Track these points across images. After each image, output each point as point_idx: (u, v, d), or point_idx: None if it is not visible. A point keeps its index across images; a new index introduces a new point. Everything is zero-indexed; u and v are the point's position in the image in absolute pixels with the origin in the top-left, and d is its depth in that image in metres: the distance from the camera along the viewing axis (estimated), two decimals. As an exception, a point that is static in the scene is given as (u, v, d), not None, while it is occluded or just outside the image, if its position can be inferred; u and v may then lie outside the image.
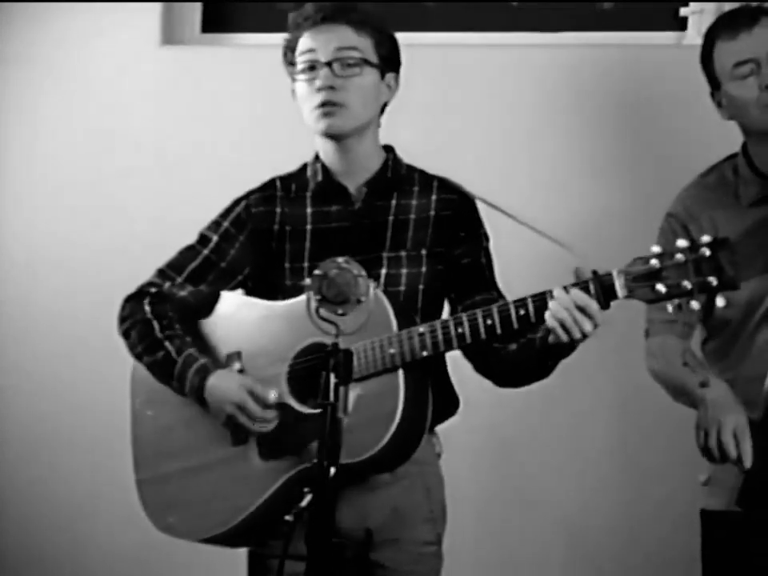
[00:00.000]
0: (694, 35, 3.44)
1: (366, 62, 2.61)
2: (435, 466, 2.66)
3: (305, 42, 2.64)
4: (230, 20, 3.75)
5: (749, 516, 2.66)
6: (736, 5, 2.90)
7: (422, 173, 2.70)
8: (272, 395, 2.50)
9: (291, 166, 2.75)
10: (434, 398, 2.52)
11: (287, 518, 2.13)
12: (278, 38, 3.62)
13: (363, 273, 2.18)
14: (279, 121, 3.51)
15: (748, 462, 2.57)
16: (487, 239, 2.69)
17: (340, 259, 2.19)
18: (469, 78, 3.45)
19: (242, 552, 2.68)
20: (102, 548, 3.62)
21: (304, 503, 2.12)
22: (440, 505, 2.65)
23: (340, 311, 2.16)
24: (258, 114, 3.56)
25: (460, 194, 2.65)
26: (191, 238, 2.74)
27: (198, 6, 3.74)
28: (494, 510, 3.42)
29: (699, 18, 3.43)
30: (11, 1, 3.67)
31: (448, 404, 2.66)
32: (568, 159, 3.42)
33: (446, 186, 2.66)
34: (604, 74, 3.40)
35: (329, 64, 2.59)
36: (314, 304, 2.17)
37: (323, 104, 2.59)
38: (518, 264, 2.89)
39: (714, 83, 2.83)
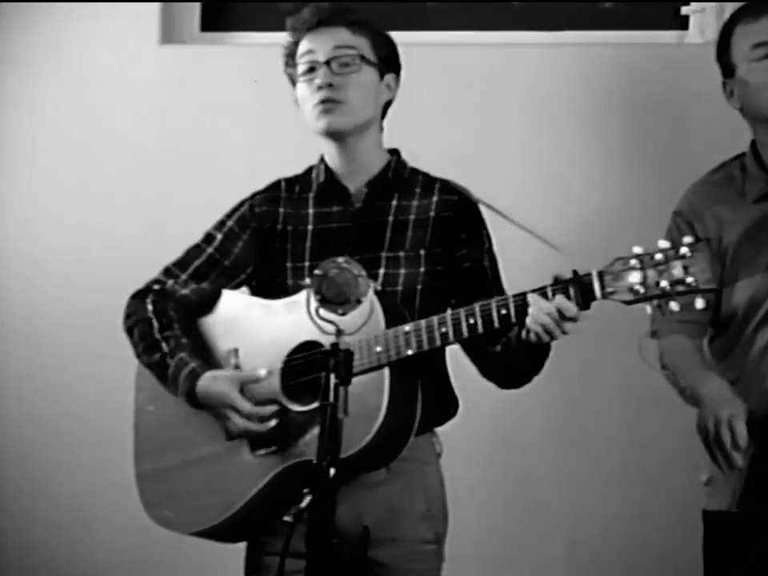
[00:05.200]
0: (696, 34, 3.44)
1: (363, 59, 2.64)
2: (435, 465, 2.67)
3: (304, 45, 2.68)
4: (229, 19, 3.74)
5: (751, 516, 2.65)
6: (737, 4, 2.90)
7: (425, 175, 2.71)
8: (262, 372, 2.53)
9: (290, 165, 2.75)
10: (432, 399, 2.54)
11: (286, 518, 2.13)
12: (278, 37, 3.60)
13: (363, 273, 2.17)
14: (279, 120, 3.50)
15: (742, 442, 2.56)
16: (490, 240, 2.69)
17: (340, 259, 2.18)
18: (469, 78, 3.44)
19: (240, 550, 2.69)
20: (103, 546, 3.62)
21: (303, 504, 2.11)
22: (439, 504, 2.65)
23: (340, 311, 2.16)
24: (257, 113, 3.55)
25: (462, 195, 2.65)
26: (190, 236, 2.75)
27: (197, 5, 3.74)
28: (495, 509, 3.41)
29: (700, 17, 3.43)
30: (11, 0, 3.67)
31: (447, 405, 2.67)
32: (568, 159, 3.41)
33: (447, 188, 2.67)
34: (605, 74, 3.40)
35: (327, 63, 2.62)
36: (314, 304, 2.16)
37: (323, 101, 2.61)
38: (521, 265, 2.87)
39: (728, 71, 2.83)
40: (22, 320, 3.67)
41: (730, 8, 2.95)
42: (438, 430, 2.67)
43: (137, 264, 2.77)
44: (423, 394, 2.50)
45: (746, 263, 2.75)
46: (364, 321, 2.21)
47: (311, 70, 2.65)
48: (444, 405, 2.65)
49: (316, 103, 2.63)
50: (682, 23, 3.48)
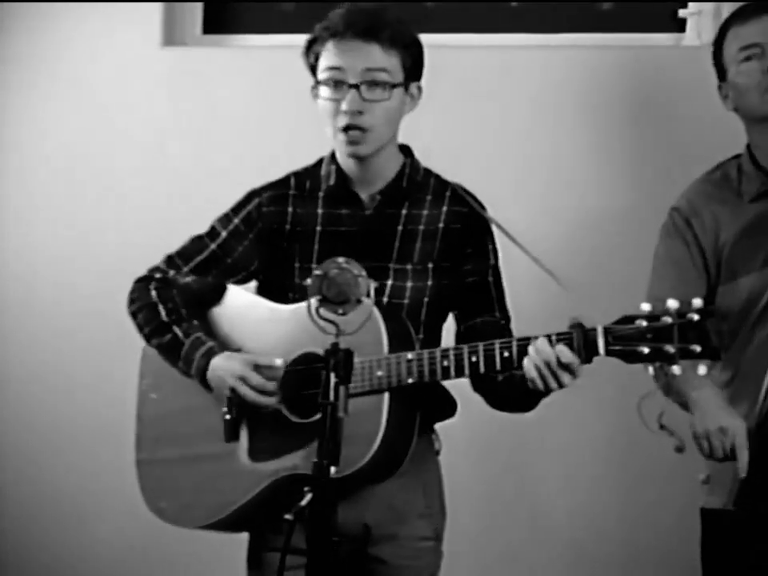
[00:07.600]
0: (693, 36, 3.45)
1: (393, 85, 2.57)
2: (433, 462, 2.68)
3: (331, 55, 2.57)
4: (231, 21, 3.75)
5: (749, 514, 2.66)
6: (735, 6, 2.92)
7: (437, 179, 2.68)
8: (278, 361, 2.53)
9: (291, 166, 2.74)
10: (430, 402, 2.55)
11: (287, 516, 2.13)
12: (280, 39, 3.65)
13: (363, 273, 2.18)
14: (280, 121, 3.52)
15: (743, 472, 2.58)
16: (496, 255, 2.67)
17: (340, 259, 2.19)
18: (467, 80, 3.45)
19: (242, 547, 2.70)
20: (103, 546, 3.63)
21: (304, 502, 2.13)
22: (438, 501, 2.67)
23: (340, 311, 2.17)
24: (258, 114, 3.56)
25: (471, 208, 2.63)
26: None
27: (199, 6, 3.74)
28: (493, 507, 3.42)
29: (698, 20, 3.44)
30: (12, 1, 3.68)
31: (445, 407, 2.67)
32: (567, 160, 3.42)
33: (458, 197, 2.65)
34: (602, 76, 3.40)
35: (356, 86, 2.55)
36: (314, 304, 2.17)
37: (348, 128, 2.55)
38: (527, 282, 2.88)
39: (722, 74, 2.85)
40: (21, 320, 3.69)
41: (726, 10, 2.97)
42: (437, 427, 2.68)
43: (137, 262, 2.78)
44: (421, 395, 2.51)
45: (742, 261, 2.77)
46: (363, 321, 2.21)
47: (336, 83, 2.56)
48: (442, 406, 2.66)
49: (341, 127, 2.55)
50: (679, 26, 3.49)
